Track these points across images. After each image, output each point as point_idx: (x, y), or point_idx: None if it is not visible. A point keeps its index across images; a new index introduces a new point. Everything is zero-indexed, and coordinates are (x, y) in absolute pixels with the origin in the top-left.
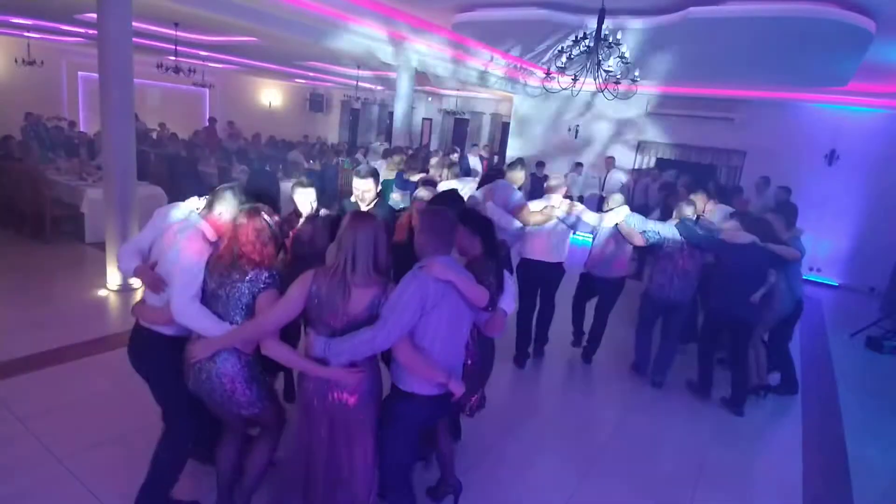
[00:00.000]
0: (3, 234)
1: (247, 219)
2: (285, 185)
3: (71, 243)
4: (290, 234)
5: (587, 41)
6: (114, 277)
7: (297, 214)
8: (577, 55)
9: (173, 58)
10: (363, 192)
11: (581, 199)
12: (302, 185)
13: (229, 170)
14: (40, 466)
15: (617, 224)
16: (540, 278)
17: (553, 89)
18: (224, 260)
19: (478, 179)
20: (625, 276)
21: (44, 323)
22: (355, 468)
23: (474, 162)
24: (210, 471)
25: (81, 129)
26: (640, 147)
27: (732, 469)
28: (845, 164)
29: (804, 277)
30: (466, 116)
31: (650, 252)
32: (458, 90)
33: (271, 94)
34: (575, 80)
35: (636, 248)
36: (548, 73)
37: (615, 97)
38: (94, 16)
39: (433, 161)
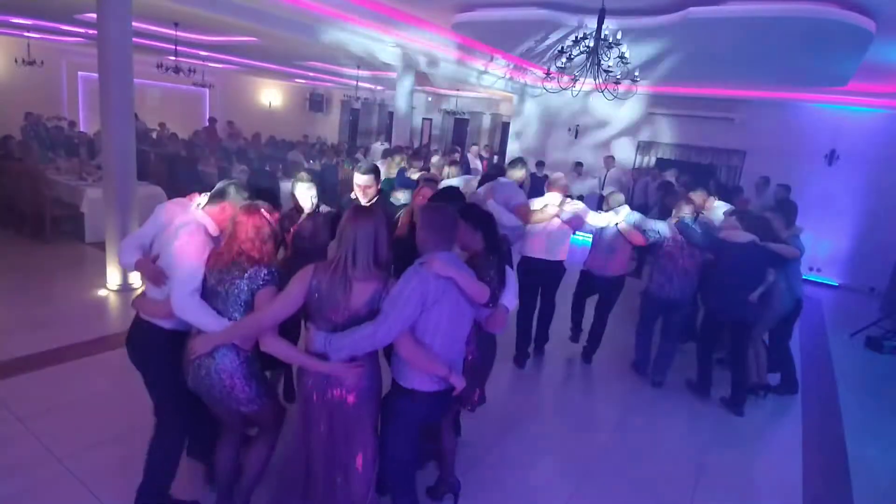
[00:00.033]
0: (3, 234)
1: (246, 216)
2: (285, 185)
3: (71, 243)
4: (291, 230)
5: (587, 41)
6: (114, 277)
7: (298, 210)
8: (577, 55)
9: (173, 58)
10: (364, 188)
11: (581, 199)
12: (302, 180)
13: (229, 170)
14: (40, 466)
15: (617, 223)
16: (540, 277)
17: (553, 89)
18: (223, 257)
19: (478, 178)
20: (625, 275)
21: (44, 323)
22: (354, 466)
23: (474, 161)
24: (207, 470)
25: (81, 129)
26: (640, 147)
27: (732, 469)
28: (845, 164)
29: (804, 277)
30: (466, 116)
31: (650, 251)
32: (457, 90)
33: (271, 94)
34: (575, 80)
35: (636, 246)
36: (548, 73)
37: (615, 97)
38: (94, 16)
39: (434, 159)
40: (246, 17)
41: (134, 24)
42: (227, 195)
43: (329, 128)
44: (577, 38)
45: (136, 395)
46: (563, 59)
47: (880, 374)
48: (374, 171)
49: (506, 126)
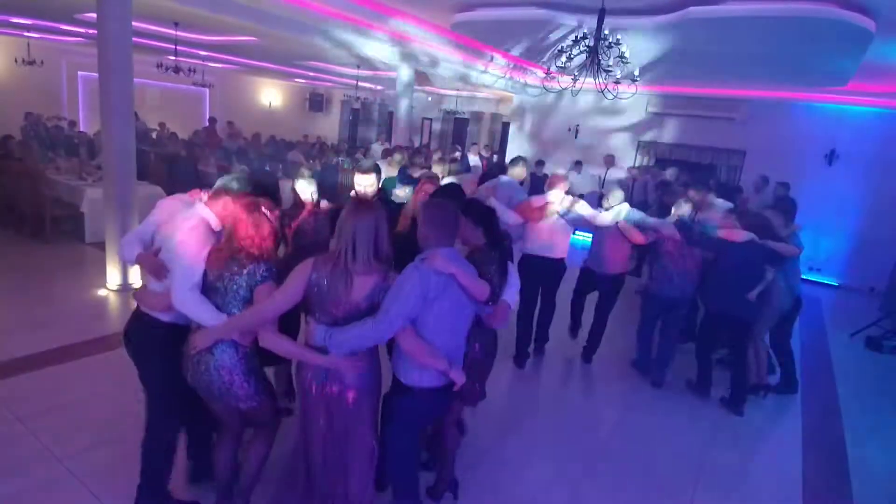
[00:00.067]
0: (3, 234)
1: (246, 213)
2: (285, 184)
3: (71, 243)
4: (292, 226)
5: (587, 41)
6: (114, 277)
7: (299, 205)
8: (577, 55)
9: (173, 57)
10: (365, 186)
11: (581, 198)
12: (303, 175)
13: (229, 169)
14: (40, 466)
15: (617, 222)
16: (541, 274)
17: (553, 89)
18: (223, 253)
19: (477, 176)
20: (625, 273)
21: (44, 323)
22: (353, 464)
23: (474, 161)
24: (192, 468)
25: (81, 129)
26: (640, 147)
27: (732, 469)
28: (845, 163)
29: (804, 277)
30: (466, 116)
31: (650, 250)
32: (457, 90)
33: (271, 94)
34: (575, 79)
35: (636, 245)
36: (548, 73)
37: (615, 97)
38: (94, 15)
39: (436, 158)
40: (246, 17)
41: (134, 23)
42: (229, 191)
43: (329, 128)
44: (576, 37)
45: (136, 395)
46: (563, 59)
47: (880, 374)
48: (375, 170)
49: (506, 126)
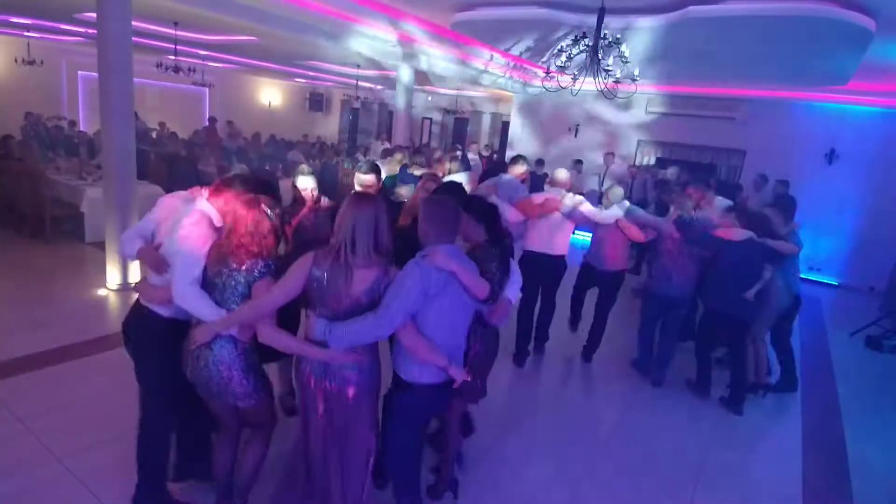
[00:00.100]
0: (3, 234)
1: (246, 210)
2: (285, 183)
3: (71, 243)
4: (292, 223)
5: (587, 40)
6: (114, 277)
7: (299, 202)
8: (577, 54)
9: (173, 57)
10: (365, 187)
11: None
12: (303, 172)
13: (229, 169)
14: (40, 466)
15: (618, 220)
16: (542, 272)
17: (553, 88)
18: (222, 249)
19: (478, 174)
20: (624, 270)
21: (44, 322)
22: (352, 461)
23: (474, 160)
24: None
25: (81, 129)
26: (640, 146)
27: (732, 469)
28: (845, 163)
29: (804, 276)
30: (466, 115)
31: (649, 248)
32: (457, 89)
33: (271, 94)
34: (575, 79)
35: (635, 243)
36: (547, 73)
37: (615, 96)
38: (94, 15)
39: (436, 156)
40: (246, 17)
41: (134, 23)
42: (230, 187)
43: (329, 127)
44: (576, 37)
45: (135, 395)
46: (563, 58)
47: (880, 374)
48: (376, 170)
49: (506, 125)
